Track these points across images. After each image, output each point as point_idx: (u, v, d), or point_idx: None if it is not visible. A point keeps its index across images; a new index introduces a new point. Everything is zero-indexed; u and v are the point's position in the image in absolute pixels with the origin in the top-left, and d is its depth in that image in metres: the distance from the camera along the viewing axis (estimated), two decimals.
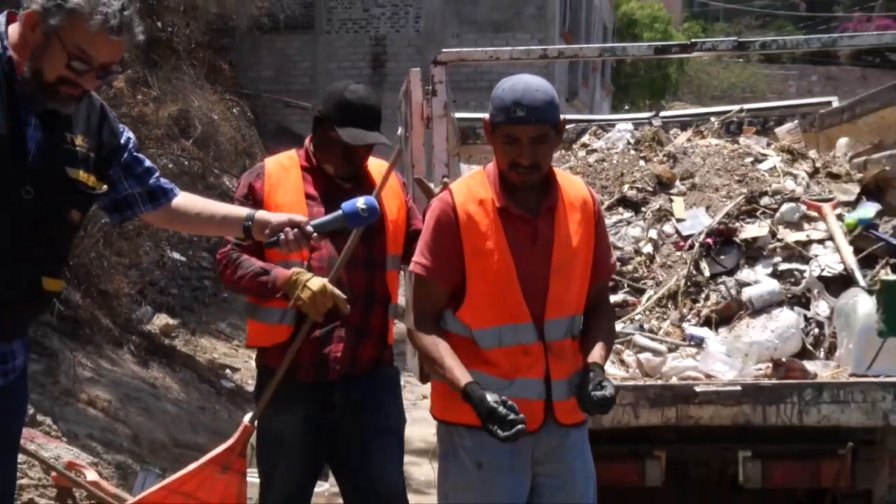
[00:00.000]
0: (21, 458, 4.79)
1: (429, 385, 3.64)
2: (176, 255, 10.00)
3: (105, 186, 2.84)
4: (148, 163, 3.04)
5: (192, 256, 11.12)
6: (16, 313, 2.76)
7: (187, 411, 7.67)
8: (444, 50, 5.26)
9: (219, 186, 10.80)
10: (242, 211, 3.14)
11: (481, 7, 17.92)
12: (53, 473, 4.98)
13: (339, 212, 3.07)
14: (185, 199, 3.10)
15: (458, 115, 5.82)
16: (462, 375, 2.95)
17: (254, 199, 3.54)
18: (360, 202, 3.07)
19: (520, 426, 2.84)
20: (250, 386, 8.30)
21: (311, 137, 3.66)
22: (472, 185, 3.15)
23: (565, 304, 3.16)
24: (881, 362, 4.33)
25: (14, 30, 2.61)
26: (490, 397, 2.84)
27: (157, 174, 3.04)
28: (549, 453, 3.15)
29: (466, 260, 3.05)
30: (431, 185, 4.38)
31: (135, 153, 2.99)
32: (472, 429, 3.02)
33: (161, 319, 9.09)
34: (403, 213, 3.84)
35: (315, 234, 3.02)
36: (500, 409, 2.82)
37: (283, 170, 3.66)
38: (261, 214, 3.08)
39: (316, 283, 3.29)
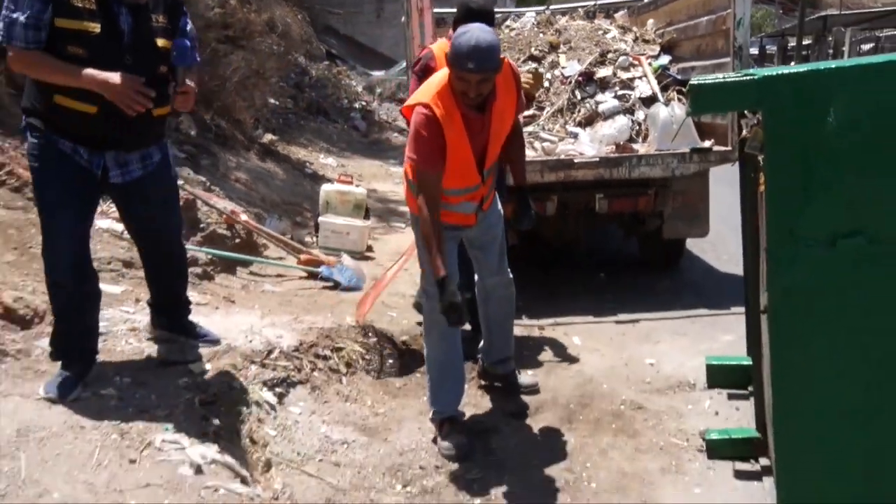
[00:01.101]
0: (205, 208, 6.37)
1: None
2: (272, 101, 12.18)
3: (171, 46, 3.44)
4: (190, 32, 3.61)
5: (283, 101, 13.46)
6: (145, 132, 3.50)
7: (288, 185, 9.49)
8: None
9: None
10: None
11: None
12: (224, 216, 6.48)
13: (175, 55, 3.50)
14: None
15: (435, 9, 6.22)
16: (443, 266, 3.47)
17: (428, 73, 4.06)
18: (185, 41, 3.54)
19: (457, 322, 3.56)
20: (321, 171, 10.91)
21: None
22: (445, 101, 3.50)
23: (495, 154, 3.80)
24: (672, 142, 5.75)
25: None
26: (457, 296, 3.45)
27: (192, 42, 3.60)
28: (477, 228, 3.97)
29: (447, 151, 3.53)
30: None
31: (185, 28, 3.56)
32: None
33: (268, 136, 11.25)
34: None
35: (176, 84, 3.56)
36: (458, 303, 3.44)
37: (442, 52, 4.03)
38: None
39: None
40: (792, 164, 2.51)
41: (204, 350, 4.21)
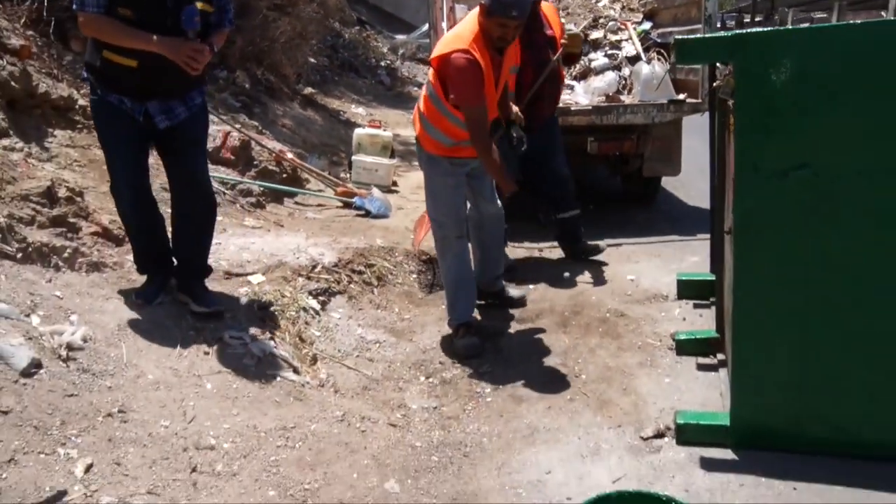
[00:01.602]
0: (258, 148, 6.39)
1: None
2: (312, 59, 11.95)
3: (210, 7, 3.32)
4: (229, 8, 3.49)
5: (320, 60, 13.23)
6: (183, 81, 3.35)
7: (325, 130, 9.47)
8: None
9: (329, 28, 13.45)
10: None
11: None
12: (273, 154, 6.56)
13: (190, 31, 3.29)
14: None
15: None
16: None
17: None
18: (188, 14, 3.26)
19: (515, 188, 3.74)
20: (353, 118, 10.80)
21: None
22: (479, 45, 3.48)
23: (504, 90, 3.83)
24: (653, 94, 5.72)
25: None
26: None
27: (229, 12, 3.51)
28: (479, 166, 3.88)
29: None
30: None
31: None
32: (450, 158, 3.79)
33: (309, 89, 11.12)
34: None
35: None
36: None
37: None
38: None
39: None
40: (756, 107, 2.54)
41: (259, 264, 4.27)
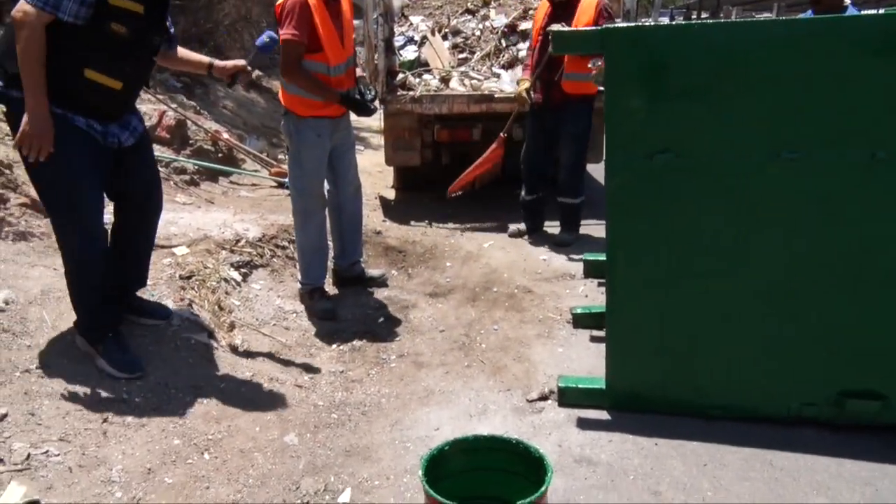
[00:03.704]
0: (194, 127, 6.52)
1: None
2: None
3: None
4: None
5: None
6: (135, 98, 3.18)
7: (268, 112, 9.60)
8: None
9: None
10: (206, 59, 3.48)
11: None
12: (209, 134, 6.66)
13: (256, 47, 3.46)
14: (179, 50, 3.45)
15: None
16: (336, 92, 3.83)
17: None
18: (265, 37, 3.42)
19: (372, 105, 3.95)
20: None
21: None
22: None
23: (351, 41, 4.03)
24: None
25: None
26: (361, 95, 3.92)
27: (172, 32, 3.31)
28: (342, 128, 4.08)
29: (320, 29, 3.73)
30: None
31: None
32: (317, 118, 3.90)
33: (256, 73, 10.64)
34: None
35: (250, 70, 3.50)
36: (358, 98, 3.91)
37: None
38: (217, 62, 3.45)
39: None
40: (623, 95, 2.79)
41: (184, 237, 4.43)
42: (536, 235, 5.57)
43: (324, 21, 3.78)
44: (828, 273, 2.83)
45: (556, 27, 2.60)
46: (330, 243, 4.39)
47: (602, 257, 4.57)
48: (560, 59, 4.87)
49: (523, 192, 5.54)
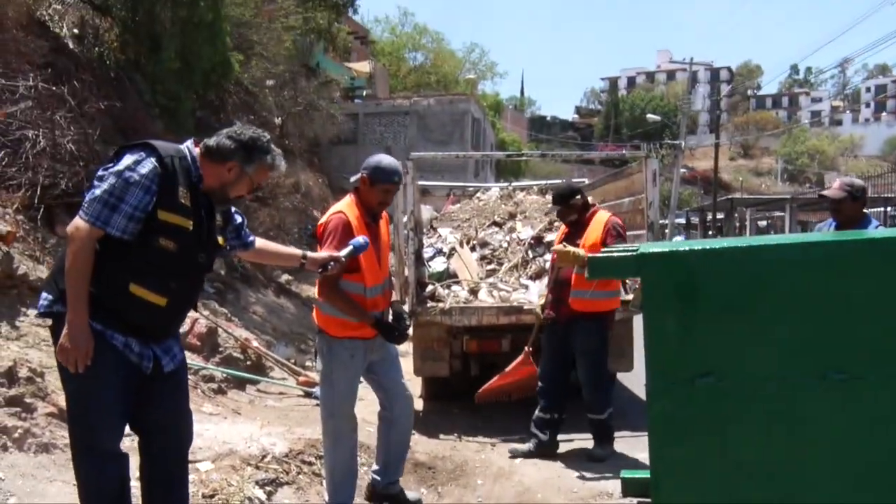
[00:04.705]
0: (224, 335, 6.62)
1: None
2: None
3: (224, 243, 3.15)
4: (244, 228, 3.34)
5: (300, 247, 13.24)
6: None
7: (297, 318, 9.78)
8: (413, 154, 6.36)
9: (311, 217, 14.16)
10: (298, 251, 3.64)
11: (435, 133, 24.82)
12: (239, 342, 6.74)
13: (351, 246, 3.66)
14: (261, 243, 3.47)
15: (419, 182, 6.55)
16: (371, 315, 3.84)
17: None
18: (361, 239, 3.68)
19: (402, 339, 4.00)
20: None
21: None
22: (352, 211, 3.87)
23: (387, 261, 4.14)
24: None
25: (198, 155, 2.94)
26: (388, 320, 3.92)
27: (246, 230, 3.35)
28: (377, 348, 4.00)
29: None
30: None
31: (237, 223, 3.29)
32: (352, 339, 3.89)
33: (285, 277, 11.36)
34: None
35: (343, 260, 3.61)
36: (391, 324, 3.93)
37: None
38: (310, 254, 3.60)
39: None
40: (660, 318, 2.77)
41: (209, 451, 4.34)
42: (569, 452, 5.38)
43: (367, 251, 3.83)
44: (888, 497, 2.66)
45: (590, 255, 2.70)
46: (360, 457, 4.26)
47: (641, 474, 4.40)
48: (568, 277, 4.98)
49: (537, 409, 5.39)
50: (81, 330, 2.72)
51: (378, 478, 4.24)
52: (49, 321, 2.93)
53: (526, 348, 5.46)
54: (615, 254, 2.91)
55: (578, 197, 5.22)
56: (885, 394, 2.66)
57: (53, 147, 6.94)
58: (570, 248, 4.77)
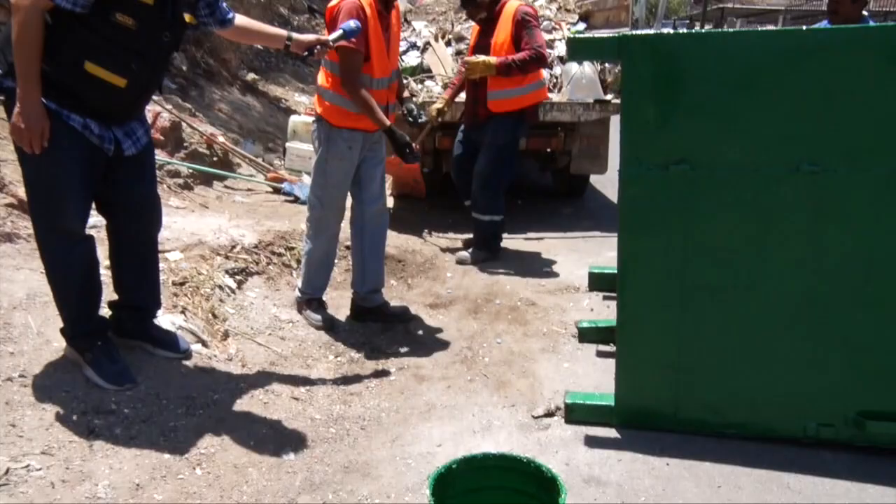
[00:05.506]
0: (189, 129, 6.42)
1: None
2: (258, 46, 11.56)
3: (194, 20, 2.97)
4: (220, 3, 3.09)
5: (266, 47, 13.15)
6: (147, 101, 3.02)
7: (264, 116, 9.49)
8: None
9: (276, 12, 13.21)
10: (283, 32, 3.34)
11: None
12: (204, 136, 6.58)
13: (340, 30, 3.42)
14: (243, 21, 3.23)
15: None
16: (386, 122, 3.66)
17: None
18: (352, 23, 3.41)
19: (414, 159, 3.79)
20: (294, 107, 10.62)
21: None
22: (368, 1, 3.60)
23: (396, 55, 4.01)
24: (582, 93, 5.95)
25: None
26: (406, 136, 3.70)
27: (223, 5, 3.10)
28: (373, 144, 3.93)
29: (369, 37, 3.62)
30: None
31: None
32: (351, 129, 3.76)
33: (251, 75, 10.95)
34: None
35: (332, 44, 3.40)
36: (409, 141, 3.74)
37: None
38: (296, 35, 3.34)
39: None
40: (638, 104, 2.72)
41: (178, 242, 4.33)
42: (542, 245, 5.47)
43: (375, 31, 3.65)
44: (848, 290, 2.75)
45: (570, 35, 2.54)
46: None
47: (608, 269, 4.52)
48: (483, 79, 4.83)
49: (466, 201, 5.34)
50: (33, 107, 2.61)
51: (356, 289, 4.18)
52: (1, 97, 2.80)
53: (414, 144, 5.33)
54: (596, 36, 2.79)
55: None
56: (855, 188, 2.68)
57: None
58: (479, 58, 4.74)
